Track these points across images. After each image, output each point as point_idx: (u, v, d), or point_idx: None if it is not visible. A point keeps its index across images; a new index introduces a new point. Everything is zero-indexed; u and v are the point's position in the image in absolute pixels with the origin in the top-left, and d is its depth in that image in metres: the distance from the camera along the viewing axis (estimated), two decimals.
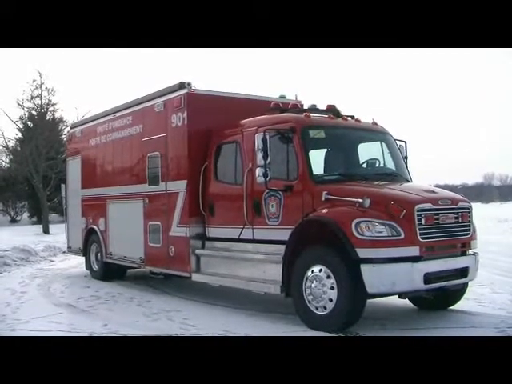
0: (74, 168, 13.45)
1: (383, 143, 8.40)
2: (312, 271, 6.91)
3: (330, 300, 6.69)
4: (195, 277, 8.93)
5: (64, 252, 15.93)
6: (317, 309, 6.82)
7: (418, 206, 6.65)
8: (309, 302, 6.91)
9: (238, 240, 8.29)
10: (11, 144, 31.98)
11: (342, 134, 8.21)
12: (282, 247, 7.32)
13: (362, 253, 6.43)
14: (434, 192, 7.30)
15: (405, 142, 8.92)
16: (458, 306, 7.78)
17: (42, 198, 28.40)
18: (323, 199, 7.04)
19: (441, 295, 7.50)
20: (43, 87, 29.58)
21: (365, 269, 6.40)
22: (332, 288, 6.66)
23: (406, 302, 7.71)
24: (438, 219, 6.81)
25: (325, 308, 6.75)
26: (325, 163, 7.93)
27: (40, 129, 28.53)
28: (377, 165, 8.22)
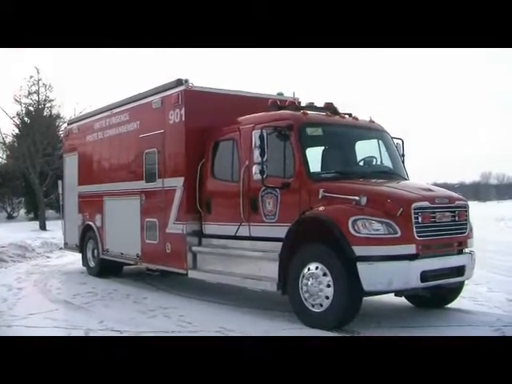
0: (70, 164, 13.42)
1: (380, 141, 8.41)
2: (308, 269, 6.91)
3: (327, 297, 6.69)
4: (192, 274, 8.92)
5: (61, 248, 15.91)
6: (313, 306, 6.83)
7: (414, 204, 6.65)
8: (305, 299, 6.91)
9: (235, 237, 8.28)
10: (8, 140, 31.90)
11: (339, 131, 8.21)
12: (279, 244, 7.31)
13: (359, 250, 6.44)
14: (430, 190, 7.30)
15: (402, 140, 8.94)
16: (454, 304, 7.80)
17: (38, 195, 28.33)
18: (320, 197, 7.05)
19: (437, 293, 7.52)
20: (40, 83, 29.54)
21: (361, 266, 6.40)
22: (328, 286, 6.67)
23: (403, 300, 7.72)
24: (434, 217, 6.81)
25: (321, 305, 6.75)
26: (322, 161, 7.92)
27: (37, 125, 28.43)
28: (374, 163, 8.23)
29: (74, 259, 14.07)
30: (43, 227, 26.60)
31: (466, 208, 7.30)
